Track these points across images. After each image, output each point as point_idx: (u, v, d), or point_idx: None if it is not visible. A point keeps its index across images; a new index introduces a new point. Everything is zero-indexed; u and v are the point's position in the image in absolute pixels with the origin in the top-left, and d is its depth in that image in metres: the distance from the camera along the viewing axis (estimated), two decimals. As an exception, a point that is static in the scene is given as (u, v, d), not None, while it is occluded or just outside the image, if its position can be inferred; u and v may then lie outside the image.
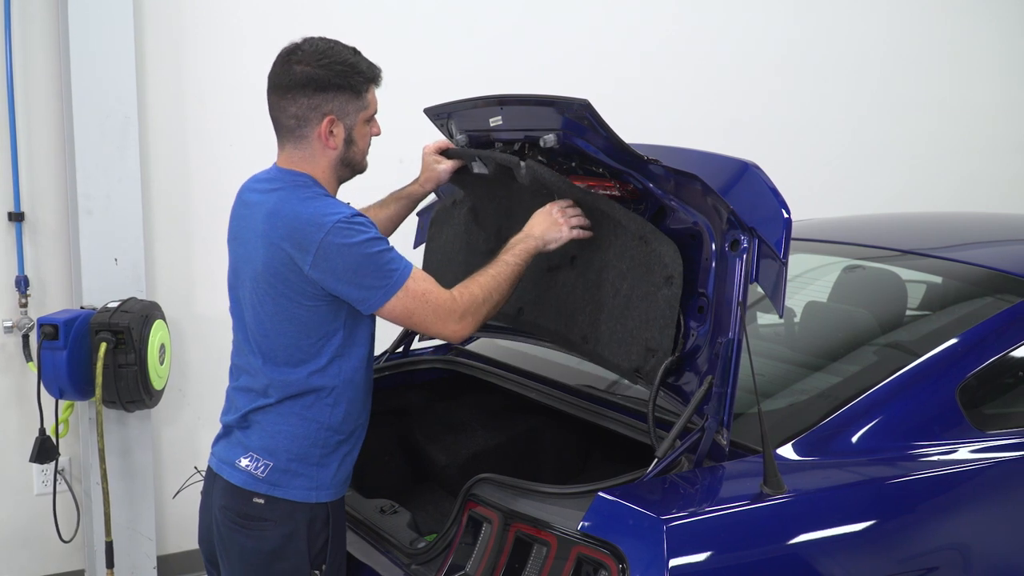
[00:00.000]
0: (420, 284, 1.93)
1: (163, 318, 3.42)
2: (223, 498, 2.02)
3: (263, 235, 1.92)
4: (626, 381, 2.33)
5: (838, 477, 1.91)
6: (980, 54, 5.68)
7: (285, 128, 1.99)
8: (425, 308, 1.93)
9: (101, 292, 3.40)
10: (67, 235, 3.53)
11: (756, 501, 1.76)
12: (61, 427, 3.38)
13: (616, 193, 2.12)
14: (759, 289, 1.90)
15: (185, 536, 3.73)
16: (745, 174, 1.93)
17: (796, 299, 2.90)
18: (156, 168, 3.66)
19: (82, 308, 3.37)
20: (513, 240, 2.09)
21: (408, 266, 1.93)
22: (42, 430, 3.34)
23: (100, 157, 3.41)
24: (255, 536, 1.97)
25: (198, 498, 2.18)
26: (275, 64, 1.98)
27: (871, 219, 3.42)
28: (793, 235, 1.84)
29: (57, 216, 3.53)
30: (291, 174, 1.98)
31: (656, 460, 1.83)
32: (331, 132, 1.96)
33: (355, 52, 1.99)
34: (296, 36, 1.99)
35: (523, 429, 2.82)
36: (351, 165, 2.03)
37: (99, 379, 3.18)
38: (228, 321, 2.10)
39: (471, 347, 2.93)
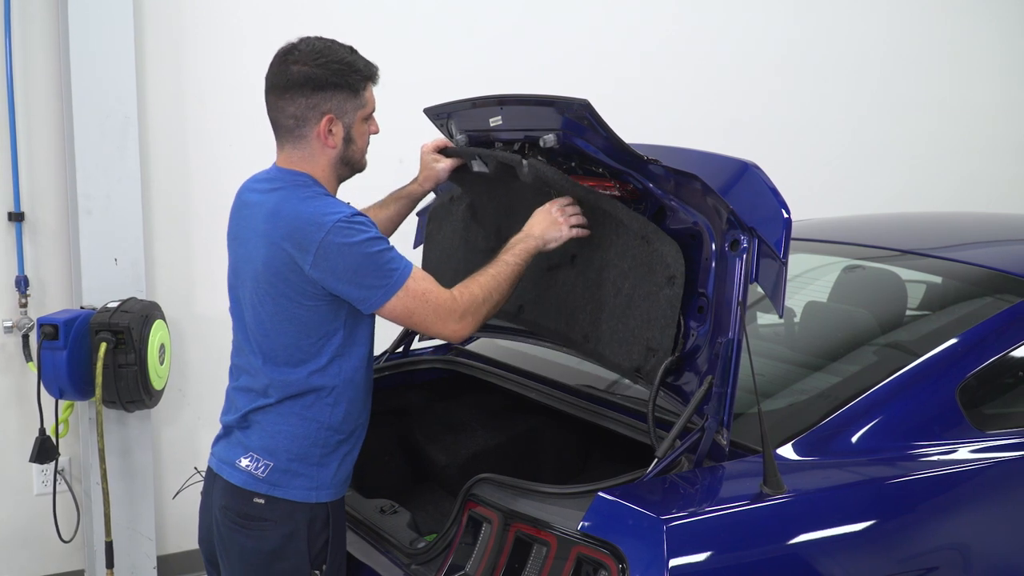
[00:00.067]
0: (420, 284, 1.93)
1: (163, 318, 3.42)
2: (223, 498, 2.02)
3: (263, 235, 1.92)
4: (626, 381, 2.33)
5: (838, 477, 1.91)
6: (980, 54, 5.68)
7: (284, 128, 1.99)
8: (425, 308, 1.93)
9: (101, 292, 3.40)
10: (67, 235, 3.53)
11: (756, 501, 1.76)
12: (61, 427, 3.38)
13: (616, 193, 2.12)
14: (759, 289, 1.90)
15: (185, 536, 3.73)
16: (745, 174, 1.93)
17: (796, 299, 2.90)
18: (156, 168, 3.66)
19: (82, 308, 3.37)
20: (513, 240, 2.09)
21: (408, 265, 1.93)
22: (42, 430, 3.35)
23: (100, 157, 3.41)
24: (255, 536, 1.97)
25: (198, 498, 2.18)
26: (272, 65, 1.98)
27: (871, 219, 3.42)
28: (793, 235, 1.84)
29: (57, 216, 3.53)
30: (291, 174, 1.98)
31: (656, 460, 1.83)
32: (330, 131, 1.96)
33: (352, 51, 1.99)
34: (295, 36, 2.00)
35: (523, 429, 2.82)
36: (350, 164, 2.03)
37: (99, 379, 3.18)
38: (228, 321, 2.10)
39: (471, 347, 2.93)
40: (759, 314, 2.92)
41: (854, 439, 1.96)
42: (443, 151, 2.37)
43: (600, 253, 2.16)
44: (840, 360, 2.43)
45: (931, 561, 1.93)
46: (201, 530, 2.16)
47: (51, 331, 3.15)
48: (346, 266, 1.87)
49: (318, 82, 1.93)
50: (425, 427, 2.82)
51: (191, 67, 3.69)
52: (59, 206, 3.53)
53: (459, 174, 2.38)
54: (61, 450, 3.41)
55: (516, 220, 2.16)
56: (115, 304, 3.30)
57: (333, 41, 1.99)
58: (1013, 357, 2.17)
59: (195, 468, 3.09)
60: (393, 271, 1.90)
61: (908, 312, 2.58)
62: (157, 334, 3.32)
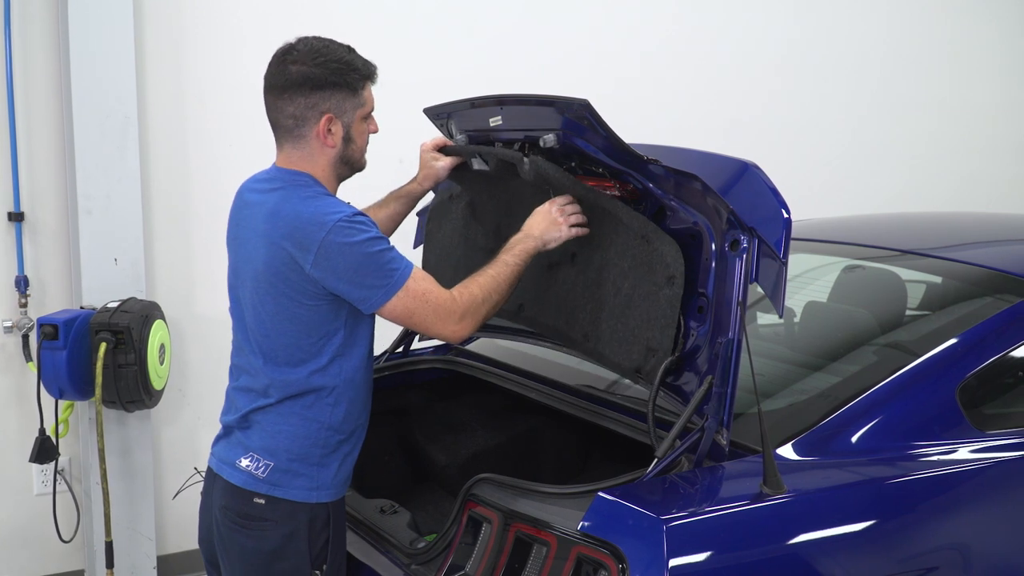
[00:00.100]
0: (420, 284, 1.93)
1: (163, 318, 3.42)
2: (223, 498, 2.02)
3: (264, 235, 1.92)
4: (626, 381, 2.33)
5: (838, 477, 1.91)
6: (980, 54, 5.68)
7: (283, 128, 1.99)
8: (425, 308, 1.93)
9: (101, 292, 3.40)
10: (67, 235, 3.53)
11: (756, 501, 1.76)
12: (61, 427, 3.38)
13: (616, 193, 2.12)
14: (759, 289, 1.90)
15: (185, 536, 3.73)
16: (745, 174, 1.93)
17: (796, 299, 2.90)
18: (156, 168, 3.66)
19: (82, 308, 3.37)
20: (513, 240, 2.09)
21: (409, 266, 1.93)
22: (42, 430, 3.34)
23: (100, 157, 3.41)
24: (256, 536, 1.97)
25: (198, 498, 2.18)
26: (270, 65, 1.98)
27: (871, 219, 3.42)
28: (793, 235, 1.84)
29: (57, 216, 3.53)
30: (291, 173, 1.98)
31: (656, 460, 1.83)
32: (329, 130, 1.96)
33: (350, 50, 1.99)
34: (295, 36, 2.00)
35: (523, 429, 2.82)
36: (350, 163, 2.03)
37: (99, 379, 3.18)
38: (228, 321, 2.10)
39: (471, 347, 2.93)
40: (759, 314, 2.92)
41: (854, 439, 1.96)
42: (443, 149, 2.37)
43: (600, 252, 2.16)
44: (840, 360, 2.43)
45: (931, 561, 1.93)
46: (201, 530, 2.16)
47: (51, 331, 3.15)
48: (347, 266, 1.87)
49: (317, 81, 1.93)
50: (425, 427, 2.82)
51: (191, 67, 3.69)
52: (59, 206, 3.53)
53: (459, 172, 2.38)
54: (61, 450, 3.41)
55: (516, 218, 2.16)
56: (115, 304, 3.30)
57: (331, 40, 1.99)
58: (1013, 357, 2.17)
59: (195, 468, 3.09)
60: (394, 271, 1.90)
61: (908, 312, 2.58)
62: (157, 334, 3.32)
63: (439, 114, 2.43)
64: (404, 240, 2.53)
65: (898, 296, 2.60)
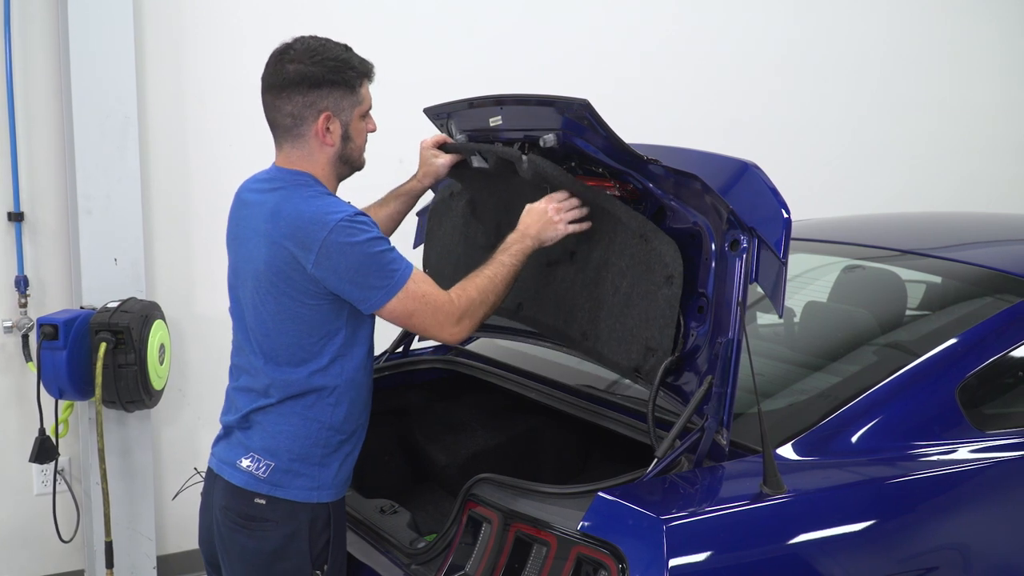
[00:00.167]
0: (420, 286, 1.93)
1: (163, 318, 3.42)
2: (224, 499, 2.02)
3: (265, 234, 1.92)
4: (626, 381, 2.33)
5: (838, 477, 1.91)
6: (980, 54, 5.68)
7: (282, 128, 1.99)
8: (424, 310, 1.93)
9: (101, 292, 3.40)
10: (67, 235, 3.53)
11: (756, 501, 1.76)
12: (61, 427, 3.38)
13: (616, 193, 2.12)
14: (759, 289, 1.90)
15: (185, 536, 3.73)
16: (745, 174, 1.93)
17: (796, 299, 2.90)
18: (156, 168, 3.66)
19: (82, 308, 3.37)
20: (509, 239, 2.08)
21: (409, 267, 1.93)
22: (42, 430, 3.34)
23: (100, 157, 3.41)
24: (257, 536, 1.97)
25: (198, 498, 2.18)
26: (268, 65, 1.98)
27: (871, 219, 3.42)
28: (793, 235, 1.84)
29: (57, 216, 3.53)
30: (291, 173, 1.98)
31: (656, 460, 1.83)
32: (328, 129, 1.96)
33: (347, 48, 2.00)
34: (293, 36, 2.00)
35: (523, 429, 2.82)
36: (349, 162, 2.03)
37: (99, 379, 3.18)
38: (228, 321, 2.10)
39: (471, 347, 2.93)
40: (759, 314, 2.92)
41: (854, 439, 1.96)
42: (443, 147, 2.37)
43: (599, 251, 2.16)
44: (840, 360, 2.43)
45: (931, 561, 1.93)
46: (201, 531, 2.16)
47: (51, 331, 3.15)
48: (348, 266, 1.87)
49: (314, 80, 1.93)
50: (425, 427, 2.82)
51: (191, 67, 3.69)
52: (59, 206, 3.53)
53: (459, 170, 2.37)
54: (61, 450, 3.41)
55: (516, 216, 2.16)
56: (115, 304, 3.30)
57: (328, 39, 1.99)
58: (1013, 357, 2.17)
59: (195, 469, 3.09)
60: (394, 272, 1.90)
61: (908, 312, 2.58)
62: (157, 334, 3.32)
63: (439, 114, 2.43)
64: (404, 240, 2.53)
65: (898, 296, 2.60)
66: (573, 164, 2.15)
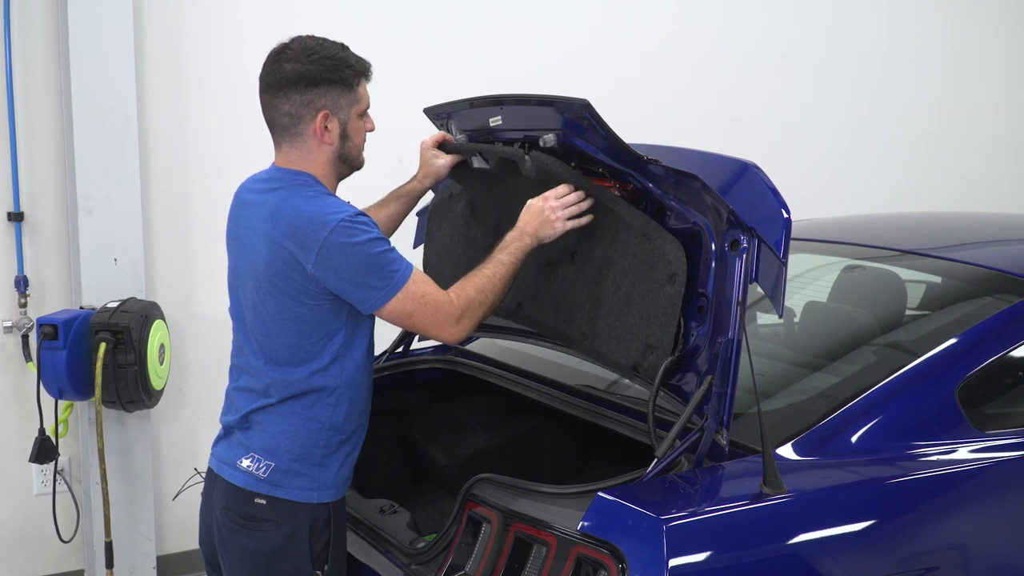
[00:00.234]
0: (420, 286, 1.93)
1: (163, 318, 3.42)
2: (224, 499, 2.02)
3: (265, 234, 1.92)
4: (626, 381, 2.32)
5: (838, 477, 1.91)
6: (980, 54, 5.68)
7: (280, 127, 1.99)
8: (424, 310, 1.93)
9: (101, 292, 3.40)
10: (67, 235, 3.53)
11: (756, 501, 1.76)
12: (61, 427, 3.38)
13: (616, 193, 2.12)
14: (759, 289, 1.90)
15: (185, 536, 3.73)
16: (745, 174, 1.93)
17: (796, 299, 2.89)
18: (156, 168, 3.66)
19: (81, 308, 3.37)
20: (508, 238, 2.08)
21: (409, 267, 1.93)
22: (41, 430, 3.34)
23: (100, 157, 3.41)
24: (257, 537, 1.97)
25: (198, 498, 2.18)
26: (265, 65, 1.98)
27: (871, 219, 3.42)
28: (793, 235, 1.84)
29: (57, 216, 3.53)
30: (291, 173, 1.98)
31: (656, 460, 1.83)
32: (326, 127, 1.97)
33: (344, 47, 2.00)
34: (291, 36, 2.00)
35: (523, 429, 2.82)
36: (348, 161, 2.03)
37: (98, 379, 3.18)
38: (228, 321, 2.10)
39: (471, 347, 2.93)
40: (759, 314, 2.92)
41: (854, 439, 1.96)
42: (443, 147, 2.37)
43: (600, 250, 2.16)
44: (840, 360, 2.43)
45: (931, 561, 1.93)
46: (201, 531, 2.16)
47: (51, 331, 3.15)
48: (348, 266, 1.87)
49: (311, 78, 1.93)
50: (425, 427, 2.82)
51: (191, 67, 3.69)
52: (59, 206, 3.53)
53: (459, 171, 2.37)
54: (61, 450, 3.41)
55: (515, 217, 2.16)
56: (115, 304, 3.30)
57: (325, 39, 1.99)
58: (1013, 357, 2.17)
59: (195, 469, 3.09)
60: (394, 272, 1.90)
61: (908, 312, 2.58)
62: (157, 334, 3.32)
63: (439, 114, 2.43)
64: (404, 240, 2.53)
65: (898, 296, 2.60)
66: (573, 164, 2.15)
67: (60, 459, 3.43)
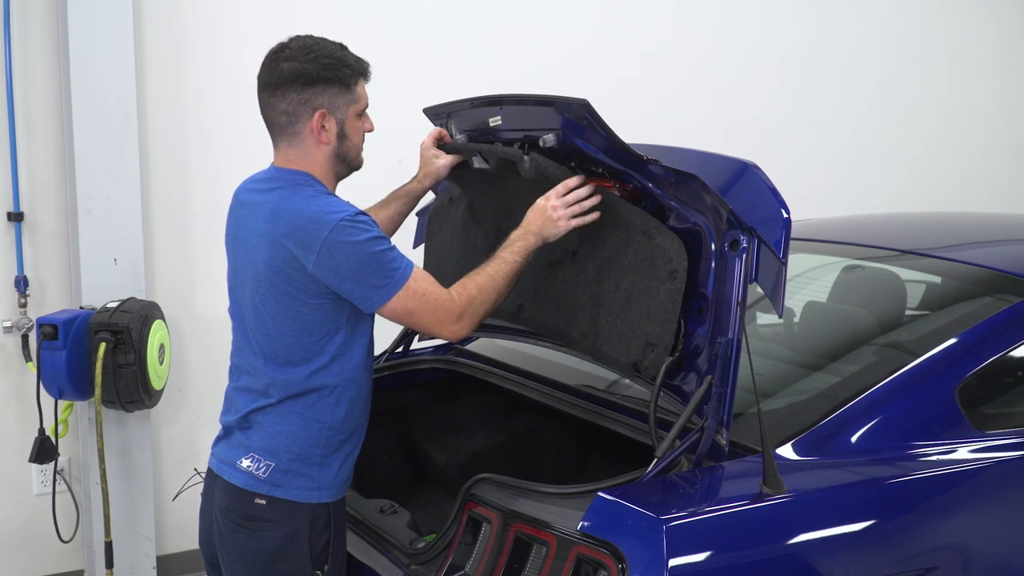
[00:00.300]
0: (421, 284, 1.93)
1: (163, 318, 3.42)
2: (224, 499, 2.02)
3: (265, 234, 1.92)
4: (626, 381, 2.32)
5: (838, 477, 1.91)
6: (980, 54, 5.68)
7: (277, 126, 1.99)
8: (425, 308, 1.93)
9: (100, 292, 3.39)
10: (67, 235, 3.53)
11: (756, 501, 1.76)
12: (60, 427, 3.38)
13: (616, 193, 2.12)
14: (759, 289, 1.90)
15: (185, 536, 3.73)
16: (745, 174, 1.93)
17: (796, 299, 2.90)
18: (156, 168, 3.66)
19: (81, 308, 3.37)
20: (512, 236, 2.07)
21: (410, 265, 1.93)
22: (41, 430, 3.34)
23: (100, 157, 3.41)
24: (257, 537, 1.97)
25: (198, 498, 2.18)
26: (263, 64, 1.98)
27: (871, 219, 3.42)
28: (793, 235, 1.84)
29: (57, 216, 3.53)
30: (290, 173, 1.98)
31: (656, 460, 1.83)
32: (323, 127, 1.96)
33: (342, 47, 2.00)
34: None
35: (523, 429, 2.82)
36: (346, 161, 2.03)
37: (98, 379, 3.18)
38: (228, 321, 2.10)
39: (471, 347, 2.93)
40: (759, 314, 2.92)
41: (854, 439, 1.96)
42: (443, 146, 2.37)
43: (601, 249, 2.16)
44: (840, 360, 2.43)
45: (931, 561, 1.93)
46: (201, 531, 2.16)
47: (50, 331, 3.14)
48: (349, 265, 1.87)
49: (309, 77, 1.93)
50: (425, 427, 2.81)
51: (191, 67, 3.69)
52: (59, 206, 3.53)
53: (458, 172, 2.37)
54: (61, 450, 3.41)
55: (515, 219, 2.16)
56: (115, 304, 3.30)
57: (323, 38, 1.99)
58: (1013, 357, 2.17)
59: (195, 469, 3.09)
60: (395, 271, 1.90)
61: (908, 312, 2.58)
62: (157, 334, 3.32)
63: (439, 114, 2.43)
64: (404, 240, 2.53)
65: (898, 296, 2.60)
66: (573, 164, 2.15)
67: (60, 459, 3.43)
